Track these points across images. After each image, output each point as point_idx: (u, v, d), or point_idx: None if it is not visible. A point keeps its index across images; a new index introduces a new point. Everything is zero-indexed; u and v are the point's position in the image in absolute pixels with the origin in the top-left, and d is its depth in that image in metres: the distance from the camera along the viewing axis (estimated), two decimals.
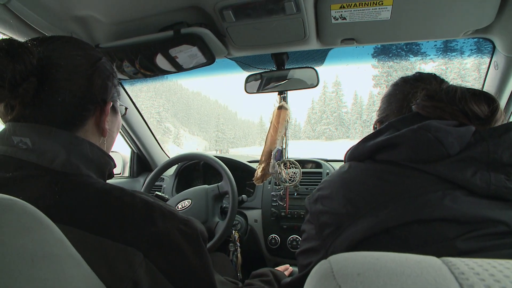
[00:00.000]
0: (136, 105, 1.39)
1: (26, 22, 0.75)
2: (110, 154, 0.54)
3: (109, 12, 0.78)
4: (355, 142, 0.56)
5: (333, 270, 0.24)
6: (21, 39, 0.45)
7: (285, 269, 1.00)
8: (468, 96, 0.47)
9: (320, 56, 1.11)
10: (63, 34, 0.52)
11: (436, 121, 0.45)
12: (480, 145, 0.42)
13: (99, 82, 0.49)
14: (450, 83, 0.56)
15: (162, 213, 0.44)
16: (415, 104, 0.52)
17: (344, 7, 0.71)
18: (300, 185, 1.26)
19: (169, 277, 0.42)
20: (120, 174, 1.56)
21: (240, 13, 0.73)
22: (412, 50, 1.28)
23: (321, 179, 1.31)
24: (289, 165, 1.15)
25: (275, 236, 1.24)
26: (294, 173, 1.16)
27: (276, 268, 0.95)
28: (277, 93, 1.11)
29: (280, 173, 1.10)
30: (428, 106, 0.49)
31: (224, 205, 1.18)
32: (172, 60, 0.90)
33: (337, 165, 1.41)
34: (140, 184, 1.54)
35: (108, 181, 0.50)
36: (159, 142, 1.63)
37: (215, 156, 1.20)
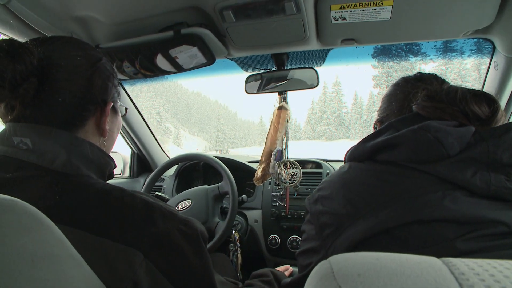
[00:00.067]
0: (136, 105, 1.39)
1: (26, 23, 0.75)
2: (110, 154, 0.54)
3: (109, 12, 0.78)
4: (355, 142, 0.56)
5: (333, 271, 0.24)
6: (21, 39, 0.45)
7: (285, 269, 1.01)
8: (469, 97, 0.47)
9: (320, 57, 1.11)
10: (63, 35, 0.52)
11: (436, 121, 0.45)
12: (480, 145, 0.42)
13: (99, 83, 0.49)
14: (451, 83, 0.56)
15: (162, 214, 0.44)
16: (416, 104, 0.52)
17: (344, 7, 0.71)
18: (300, 185, 1.26)
19: (169, 277, 0.42)
20: (120, 174, 1.56)
21: (240, 13, 0.74)
22: (412, 50, 1.28)
23: (321, 179, 1.31)
24: (289, 166, 1.15)
25: (275, 237, 1.24)
26: (294, 173, 1.16)
27: (276, 269, 0.95)
28: (277, 93, 1.11)
29: (280, 173, 1.10)
30: (428, 107, 0.49)
31: (224, 206, 1.18)
32: (172, 61, 0.90)
33: (337, 166, 1.41)
34: (140, 185, 1.54)
35: (108, 181, 0.50)
36: (159, 143, 1.63)
37: (215, 157, 1.20)
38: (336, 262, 0.24)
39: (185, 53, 0.86)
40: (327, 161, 1.43)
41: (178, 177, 1.53)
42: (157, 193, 1.23)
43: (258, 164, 1.12)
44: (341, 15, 0.74)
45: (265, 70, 1.12)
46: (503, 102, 0.95)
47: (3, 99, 0.42)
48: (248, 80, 1.14)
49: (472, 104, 0.47)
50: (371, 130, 0.59)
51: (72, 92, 0.46)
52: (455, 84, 0.54)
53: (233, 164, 1.39)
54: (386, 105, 0.61)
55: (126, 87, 1.32)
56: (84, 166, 0.45)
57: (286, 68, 1.09)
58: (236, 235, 1.19)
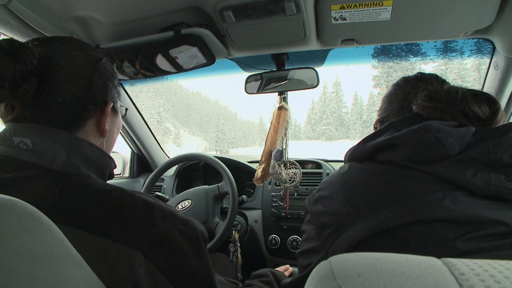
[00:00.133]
0: (136, 105, 1.40)
1: (27, 23, 0.75)
2: (110, 154, 0.54)
3: (109, 12, 0.78)
4: (355, 142, 0.56)
5: (333, 271, 0.24)
6: (21, 39, 0.45)
7: (285, 269, 1.01)
8: (469, 97, 0.47)
9: (320, 57, 1.11)
10: (63, 35, 0.52)
11: (436, 121, 0.46)
12: (480, 145, 0.42)
13: (99, 83, 0.49)
14: (451, 83, 0.56)
15: (162, 214, 0.44)
16: (416, 105, 0.52)
17: (344, 7, 0.71)
18: (300, 185, 1.26)
19: (169, 277, 0.42)
20: (120, 174, 1.56)
21: (240, 13, 0.74)
22: (412, 50, 1.28)
23: (321, 179, 1.31)
24: (289, 166, 1.15)
25: (275, 237, 1.24)
26: (294, 173, 1.16)
27: (276, 269, 0.95)
28: (277, 93, 1.11)
29: (280, 173, 1.10)
30: (429, 107, 0.49)
31: (224, 206, 1.18)
32: (172, 61, 0.90)
33: (337, 166, 1.41)
34: (140, 185, 1.54)
35: (108, 181, 0.50)
36: (159, 143, 1.63)
37: (215, 157, 1.20)
38: (336, 262, 0.25)
39: (185, 53, 0.86)
40: (327, 161, 1.43)
41: (178, 177, 1.53)
42: (157, 193, 1.23)
43: (258, 164, 1.12)
44: (341, 15, 0.74)
45: (265, 70, 1.12)
46: (503, 102, 0.95)
47: (3, 99, 0.42)
48: (248, 80, 1.14)
49: (473, 105, 0.47)
50: (371, 130, 0.59)
51: (72, 92, 0.46)
52: (455, 84, 0.54)
53: (233, 164, 1.39)
54: (386, 105, 0.61)
55: (126, 87, 1.32)
56: (84, 166, 0.45)
57: (286, 68, 1.09)
58: (236, 235, 1.19)
